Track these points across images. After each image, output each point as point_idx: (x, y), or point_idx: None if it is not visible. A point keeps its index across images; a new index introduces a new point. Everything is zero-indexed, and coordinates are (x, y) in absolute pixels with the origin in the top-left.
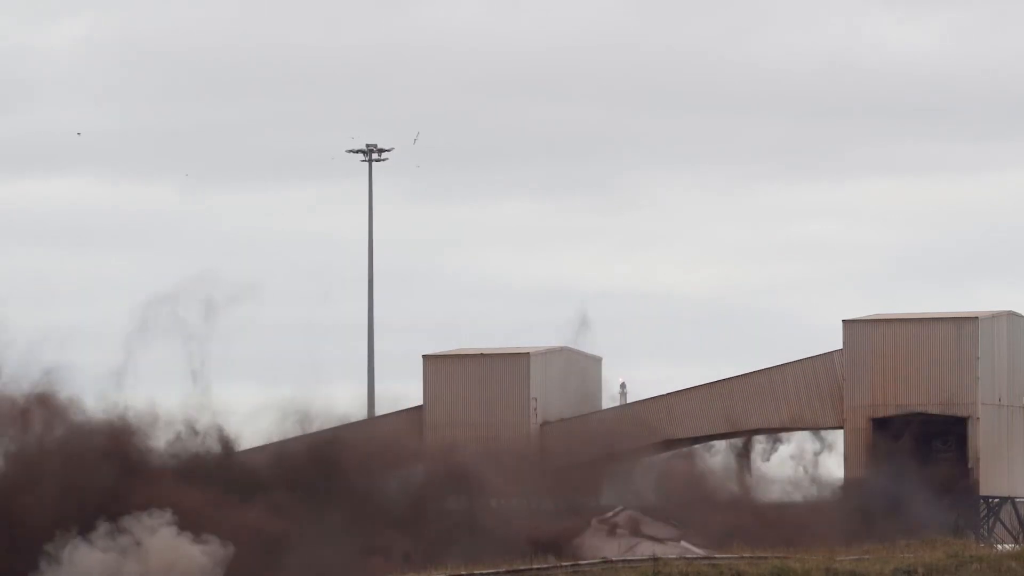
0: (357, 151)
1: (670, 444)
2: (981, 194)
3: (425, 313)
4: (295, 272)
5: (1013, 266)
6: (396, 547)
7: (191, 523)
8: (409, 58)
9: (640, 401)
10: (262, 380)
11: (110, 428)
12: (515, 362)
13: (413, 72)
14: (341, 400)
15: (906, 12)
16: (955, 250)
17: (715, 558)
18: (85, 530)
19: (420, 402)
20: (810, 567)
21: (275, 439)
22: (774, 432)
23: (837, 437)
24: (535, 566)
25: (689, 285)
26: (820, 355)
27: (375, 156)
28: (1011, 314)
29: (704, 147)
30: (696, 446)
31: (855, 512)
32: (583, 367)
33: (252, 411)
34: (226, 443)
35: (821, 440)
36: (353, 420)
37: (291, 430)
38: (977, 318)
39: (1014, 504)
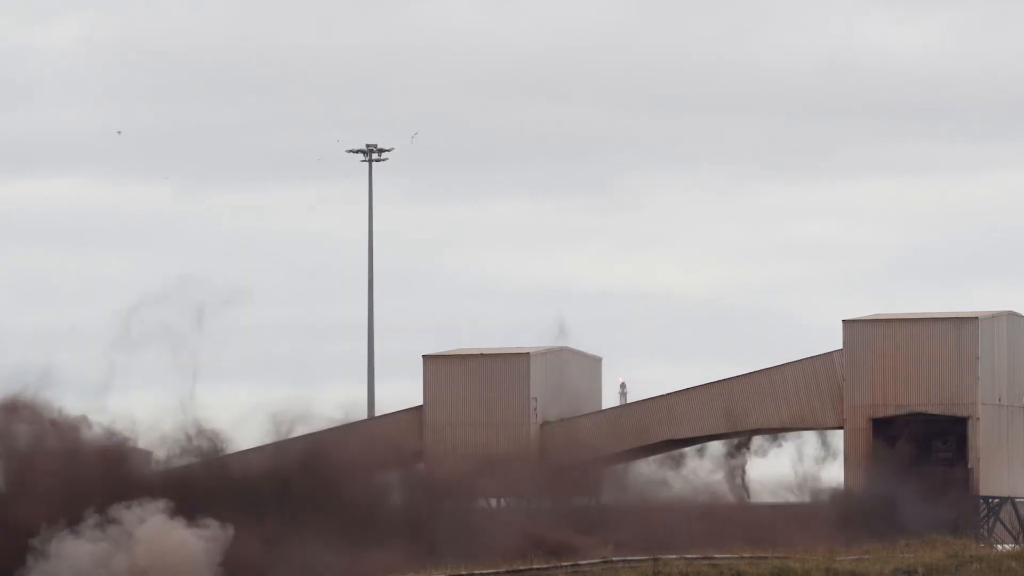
0: (357, 151)
1: (670, 444)
2: (981, 194)
3: (425, 313)
4: (295, 272)
5: (1013, 266)
6: (395, 547)
7: (184, 510)
8: (408, 58)
9: (640, 401)
10: (262, 380)
11: (102, 439)
12: (515, 362)
13: (412, 72)
14: (340, 400)
15: (906, 12)
16: (955, 250)
17: (715, 558)
18: (74, 523)
19: (420, 402)
20: (810, 567)
21: (271, 441)
22: (774, 432)
23: (837, 437)
24: (535, 566)
25: (689, 285)
26: (820, 355)
27: (375, 156)
28: (1011, 314)
29: (704, 147)
30: (686, 449)
31: (855, 512)
32: (583, 367)
33: (246, 412)
34: (216, 446)
35: (826, 447)
36: (351, 420)
37: (287, 432)
38: (977, 318)
39: (1014, 504)
